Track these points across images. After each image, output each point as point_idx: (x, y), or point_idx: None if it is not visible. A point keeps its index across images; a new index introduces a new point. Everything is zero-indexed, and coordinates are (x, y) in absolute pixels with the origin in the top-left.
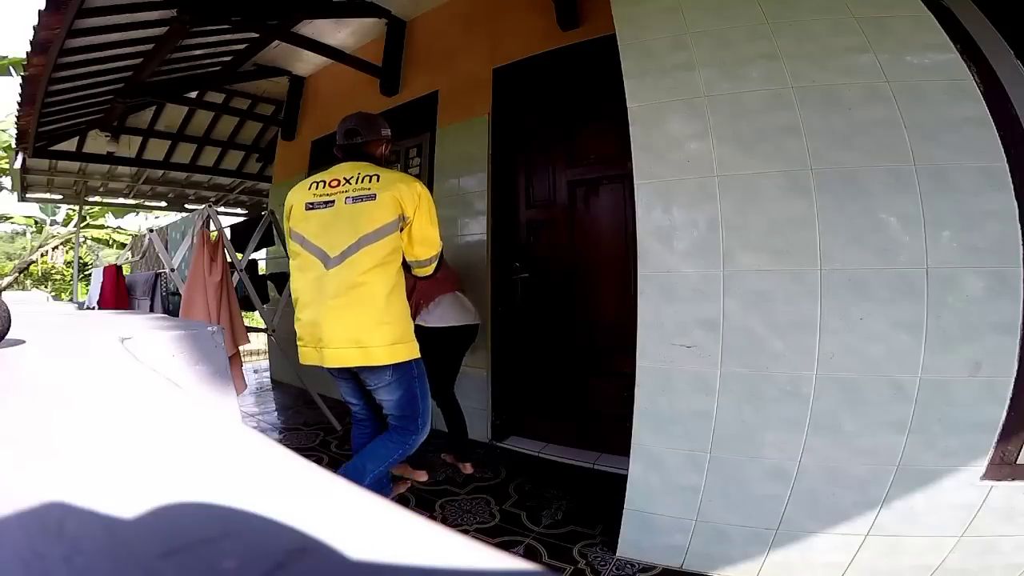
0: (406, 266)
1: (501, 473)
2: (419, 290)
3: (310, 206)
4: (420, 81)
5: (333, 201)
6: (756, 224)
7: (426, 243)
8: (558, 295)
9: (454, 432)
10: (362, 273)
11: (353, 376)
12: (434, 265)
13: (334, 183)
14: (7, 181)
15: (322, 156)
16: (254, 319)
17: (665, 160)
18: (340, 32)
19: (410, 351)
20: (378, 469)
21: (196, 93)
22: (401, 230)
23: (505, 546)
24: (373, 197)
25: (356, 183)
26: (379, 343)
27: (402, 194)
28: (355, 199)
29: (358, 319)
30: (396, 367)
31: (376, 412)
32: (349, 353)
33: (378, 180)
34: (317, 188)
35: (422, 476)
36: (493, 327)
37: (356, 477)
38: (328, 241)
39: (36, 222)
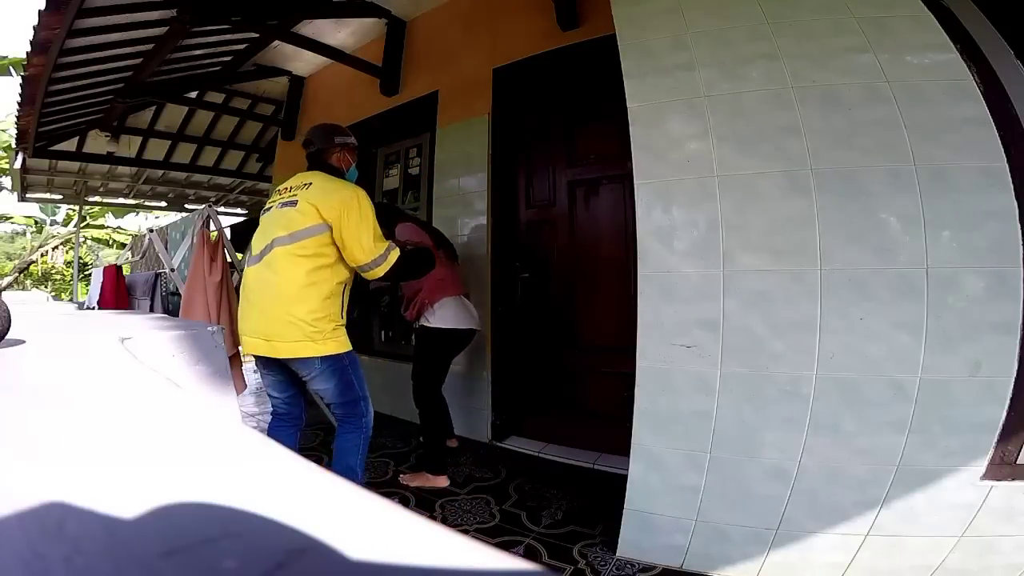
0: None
1: (501, 473)
2: (425, 290)
3: (263, 211)
4: (420, 81)
5: (272, 208)
6: (756, 224)
7: (358, 248)
8: (558, 295)
9: (446, 422)
10: (274, 271)
11: (280, 369)
12: (382, 269)
13: (283, 191)
14: (7, 181)
15: None
16: None
17: (665, 160)
18: (340, 32)
19: (320, 348)
20: (358, 462)
21: (196, 93)
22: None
23: (505, 546)
24: (295, 203)
25: (293, 191)
26: (281, 338)
27: (320, 202)
28: (284, 204)
29: (264, 313)
30: (323, 358)
31: (296, 409)
32: (257, 343)
33: (308, 188)
34: (272, 196)
35: (443, 482)
36: (493, 327)
37: (348, 475)
38: (258, 242)
39: (36, 222)
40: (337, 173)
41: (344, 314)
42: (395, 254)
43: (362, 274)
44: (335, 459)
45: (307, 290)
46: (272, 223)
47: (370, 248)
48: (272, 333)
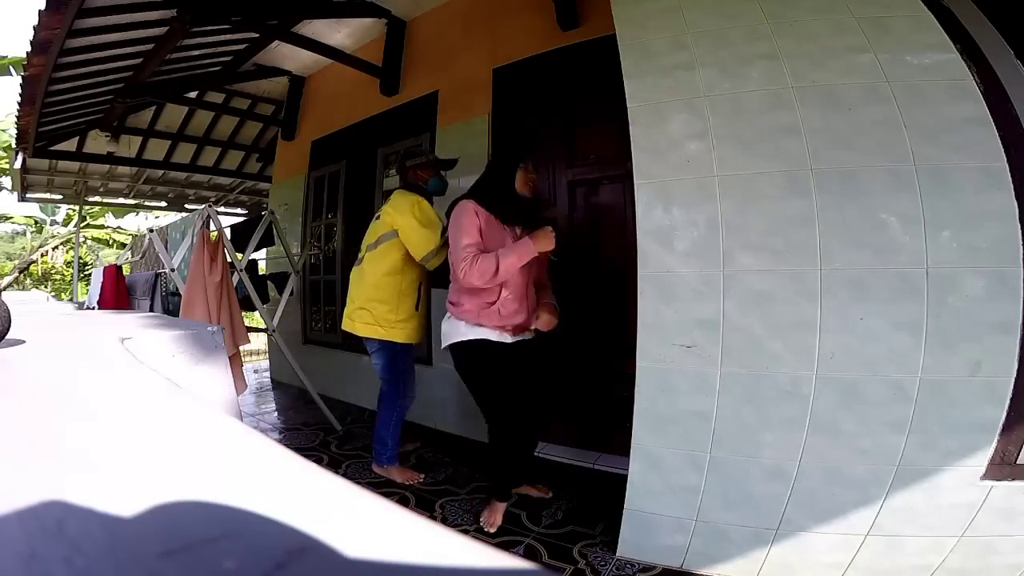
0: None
1: None
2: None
3: (374, 218)
4: (420, 81)
5: (375, 216)
6: (756, 224)
7: (412, 245)
8: (557, 295)
9: None
10: (364, 270)
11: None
12: (434, 259)
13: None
14: (7, 181)
15: (322, 156)
16: (254, 319)
17: (665, 160)
18: (340, 32)
19: (387, 334)
20: (388, 432)
21: (196, 93)
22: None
23: (505, 546)
24: (378, 217)
25: (383, 206)
26: (359, 319)
27: (389, 215)
28: (376, 218)
29: (352, 300)
30: (381, 340)
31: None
32: (346, 321)
33: (386, 202)
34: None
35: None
36: None
37: (379, 446)
38: (362, 247)
39: (36, 222)
40: (415, 187)
41: (416, 308)
42: (444, 251)
43: (425, 265)
44: (375, 426)
45: (384, 285)
46: (368, 231)
47: (422, 245)
48: (354, 314)
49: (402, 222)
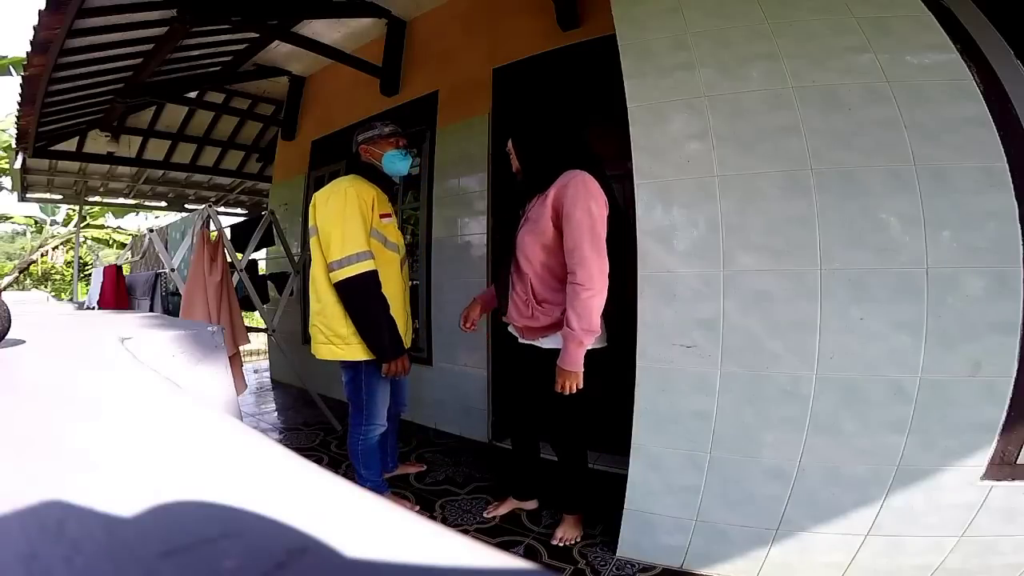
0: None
1: (501, 473)
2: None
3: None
4: (420, 81)
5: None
6: (756, 224)
7: (326, 245)
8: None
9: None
10: (311, 274)
11: None
12: (344, 272)
13: None
14: (7, 181)
15: (322, 156)
16: (254, 319)
17: (665, 160)
18: (340, 32)
19: (346, 353)
20: (357, 463)
21: (196, 93)
22: None
23: (505, 546)
24: (312, 203)
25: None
26: (314, 340)
27: (313, 204)
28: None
29: (310, 315)
30: (343, 361)
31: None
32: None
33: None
34: None
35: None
36: (493, 327)
37: (359, 480)
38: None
39: (36, 222)
40: (367, 169)
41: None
42: (365, 265)
43: (330, 275)
44: None
45: (326, 293)
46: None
47: (338, 247)
48: (312, 334)
49: (323, 212)
